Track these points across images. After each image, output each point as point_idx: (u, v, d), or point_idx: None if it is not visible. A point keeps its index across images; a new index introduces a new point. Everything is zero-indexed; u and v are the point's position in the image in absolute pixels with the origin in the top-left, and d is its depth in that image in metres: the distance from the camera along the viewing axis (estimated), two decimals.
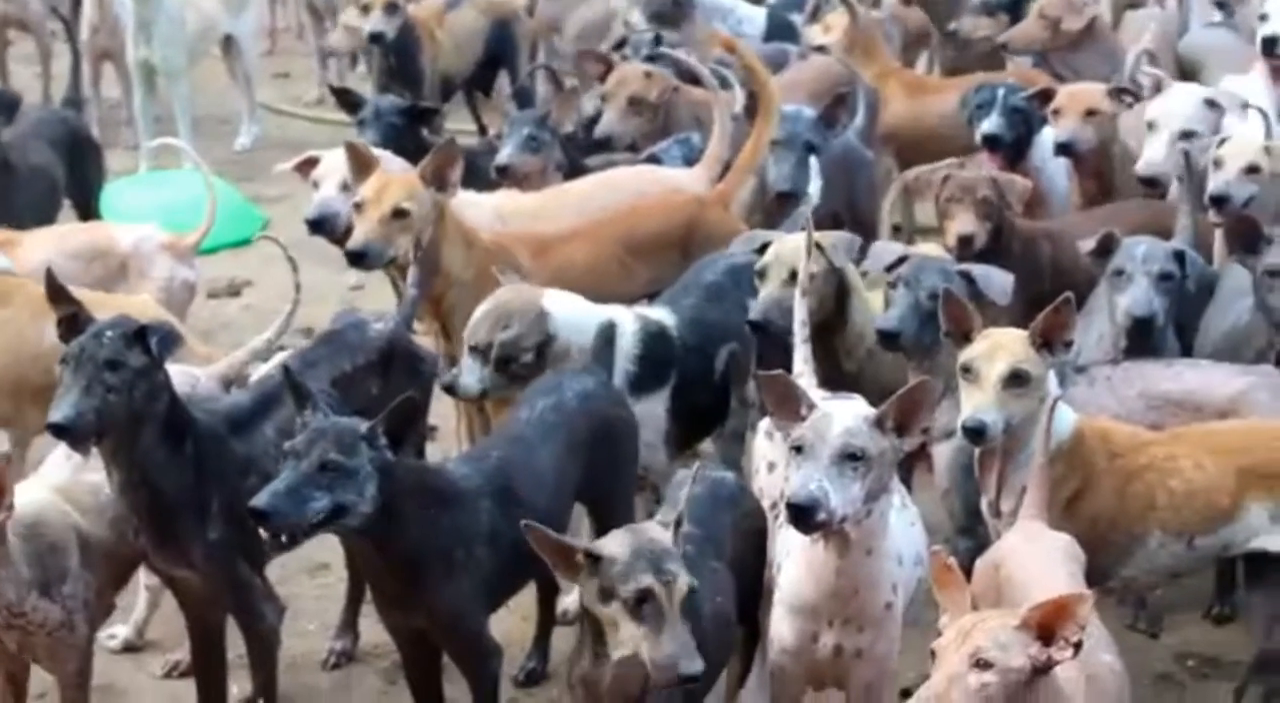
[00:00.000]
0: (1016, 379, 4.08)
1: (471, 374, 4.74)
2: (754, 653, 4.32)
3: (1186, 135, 5.87)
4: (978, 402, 4.06)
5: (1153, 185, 5.90)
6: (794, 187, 6.10)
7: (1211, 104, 6.00)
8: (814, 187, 6.15)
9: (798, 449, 3.62)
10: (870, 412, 3.70)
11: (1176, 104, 5.99)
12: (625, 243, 5.67)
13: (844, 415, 3.65)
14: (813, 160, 6.19)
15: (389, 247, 5.24)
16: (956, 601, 3.23)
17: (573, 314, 4.85)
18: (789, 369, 4.36)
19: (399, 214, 5.22)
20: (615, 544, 3.45)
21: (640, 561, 3.39)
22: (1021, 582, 3.53)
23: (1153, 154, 5.92)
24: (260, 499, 3.70)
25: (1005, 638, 3.04)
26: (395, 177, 5.37)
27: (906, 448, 3.72)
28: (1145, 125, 6.02)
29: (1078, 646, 3.03)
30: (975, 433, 4.07)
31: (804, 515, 3.54)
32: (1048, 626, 3.05)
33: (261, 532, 3.74)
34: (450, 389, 4.80)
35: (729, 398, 5.10)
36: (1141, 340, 4.82)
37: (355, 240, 5.26)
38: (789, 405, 3.72)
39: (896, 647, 3.85)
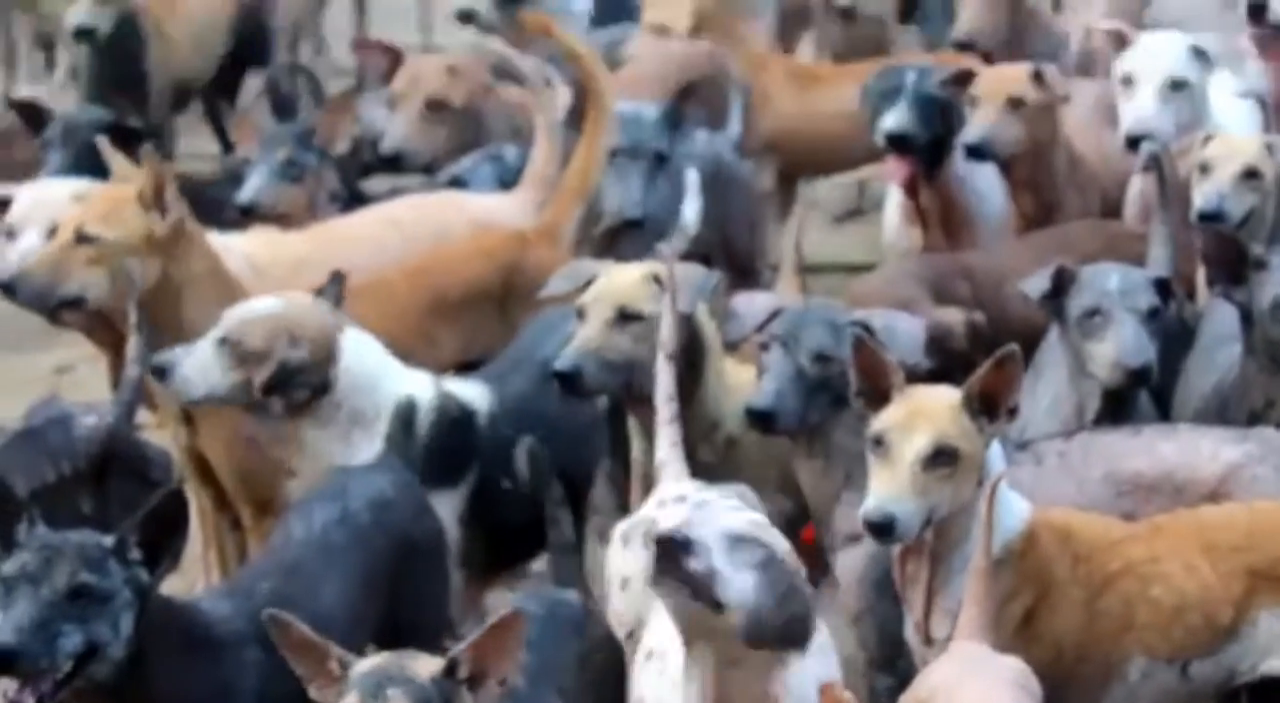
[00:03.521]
0: (942, 457, 4.05)
1: (203, 369, 4.68)
2: None
3: (1177, 85, 5.91)
4: (889, 488, 4.02)
5: (1135, 147, 5.79)
6: (646, 212, 6.05)
7: (1198, 54, 6.03)
8: (691, 210, 5.90)
9: None
10: None
11: (1157, 51, 6.03)
12: (429, 306, 5.68)
13: None
14: (691, 174, 6.03)
15: (59, 282, 5.22)
16: None
17: (365, 367, 4.87)
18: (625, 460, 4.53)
19: (83, 240, 5.23)
20: (368, 660, 3.44)
21: (366, 678, 3.35)
22: None
23: (1140, 107, 5.91)
24: (2, 635, 3.65)
25: None
26: (98, 192, 5.47)
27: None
28: (1120, 83, 6.05)
29: None
30: (882, 529, 4.01)
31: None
32: None
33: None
34: (160, 373, 4.70)
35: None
36: (1125, 402, 4.84)
37: (6, 266, 5.37)
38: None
39: None
